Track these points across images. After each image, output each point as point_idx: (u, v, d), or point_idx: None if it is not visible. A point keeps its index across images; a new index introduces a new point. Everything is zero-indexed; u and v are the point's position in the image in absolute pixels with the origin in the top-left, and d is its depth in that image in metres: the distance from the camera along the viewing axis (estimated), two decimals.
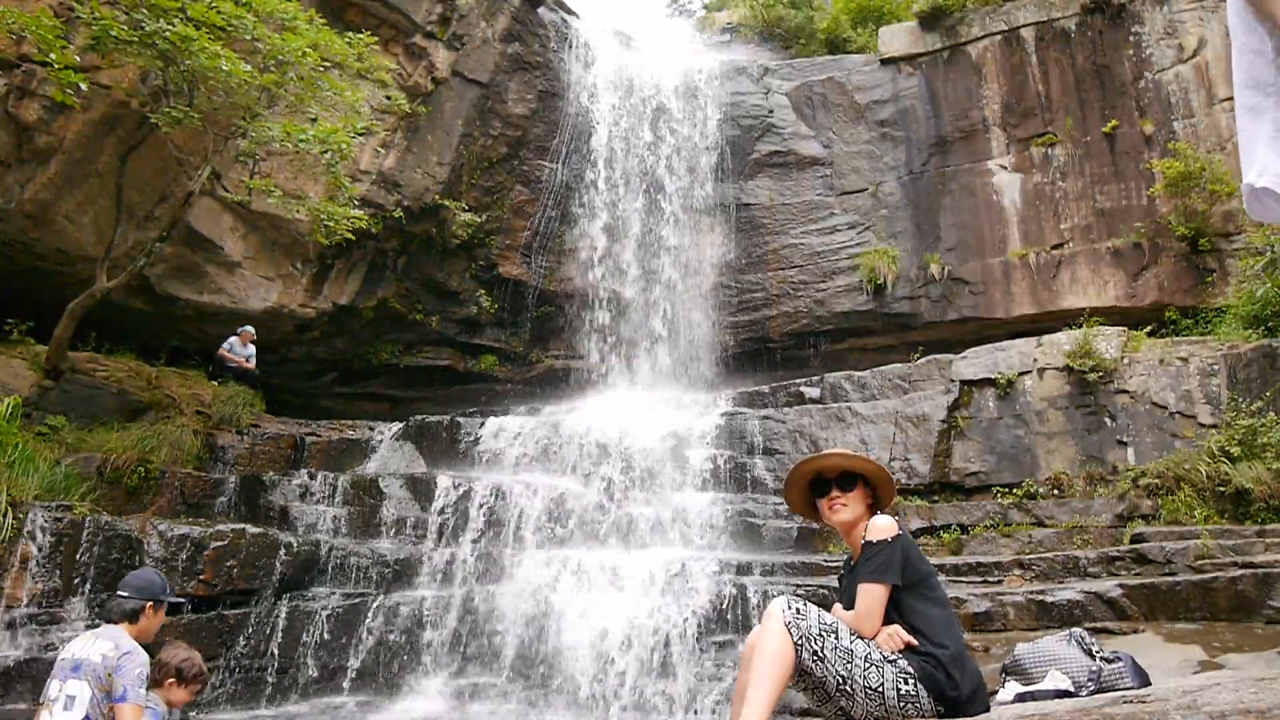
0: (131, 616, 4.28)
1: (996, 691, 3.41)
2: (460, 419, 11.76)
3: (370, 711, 7.90)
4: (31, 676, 7.50)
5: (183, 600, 4.86)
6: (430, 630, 8.52)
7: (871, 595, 3.01)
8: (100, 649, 4.03)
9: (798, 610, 2.95)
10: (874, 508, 3.31)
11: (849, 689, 2.87)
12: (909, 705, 2.84)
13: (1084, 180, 13.90)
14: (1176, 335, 11.69)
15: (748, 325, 15.58)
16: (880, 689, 2.85)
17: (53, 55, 8.57)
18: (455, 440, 11.32)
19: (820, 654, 2.90)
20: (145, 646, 4.25)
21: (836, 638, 2.93)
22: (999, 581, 8.23)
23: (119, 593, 4.37)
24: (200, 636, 8.26)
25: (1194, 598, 6.98)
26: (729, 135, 15.96)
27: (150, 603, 4.35)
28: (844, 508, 3.26)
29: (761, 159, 15.85)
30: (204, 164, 10.49)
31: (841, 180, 15.52)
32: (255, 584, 8.73)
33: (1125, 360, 10.29)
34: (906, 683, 2.87)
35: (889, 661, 2.90)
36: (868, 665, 2.88)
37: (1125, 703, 1.83)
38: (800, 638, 2.90)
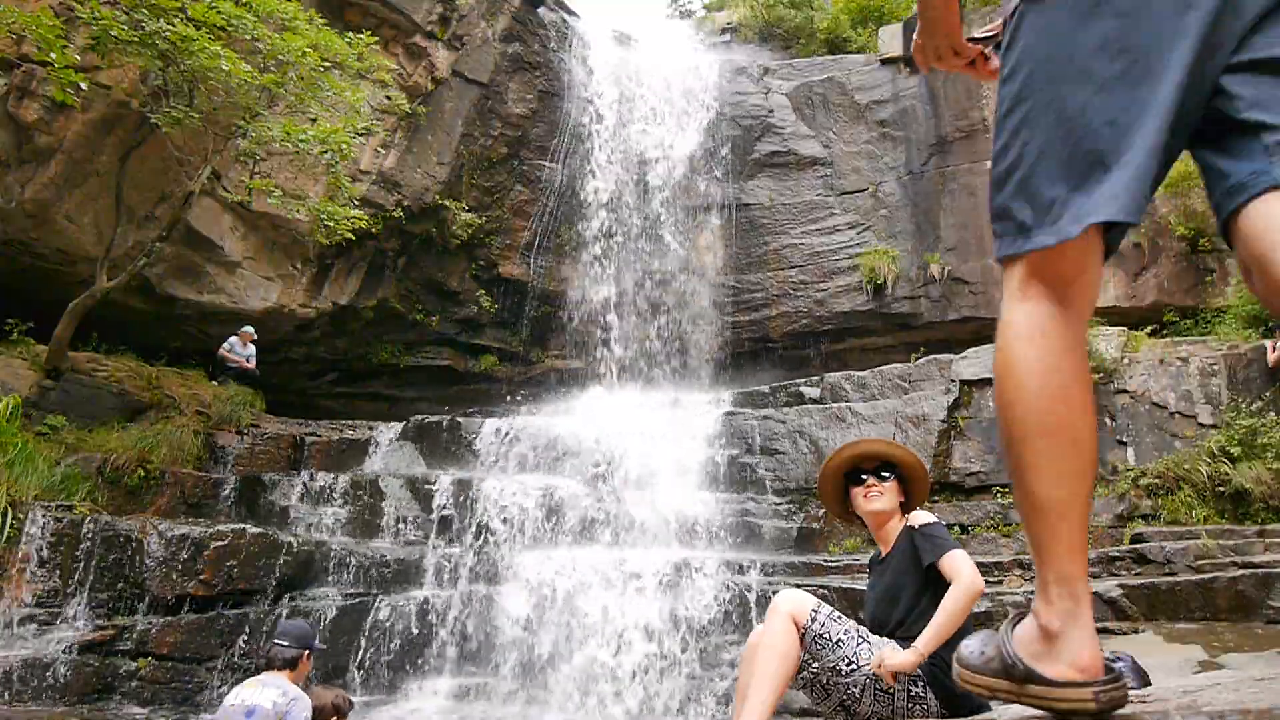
0: (292, 664, 4.69)
1: None
2: (460, 419, 11.76)
3: (371, 711, 7.90)
4: (32, 676, 7.50)
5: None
6: (430, 630, 8.51)
7: (964, 557, 3.00)
8: (270, 696, 4.45)
9: (805, 606, 2.93)
10: (905, 506, 3.31)
11: (857, 690, 2.86)
12: (917, 707, 2.83)
13: None
14: (1176, 335, 11.69)
15: (748, 325, 15.57)
16: (890, 690, 2.84)
17: (53, 55, 8.57)
18: (455, 440, 11.31)
19: (828, 652, 2.88)
20: None
21: (844, 636, 2.92)
22: (999, 581, 8.23)
23: (279, 641, 4.80)
24: (200, 636, 8.26)
25: (1194, 598, 6.98)
26: (729, 135, 15.95)
27: (306, 651, 4.78)
28: (879, 496, 3.25)
29: (761, 159, 15.84)
30: (204, 164, 10.49)
31: (841, 180, 15.51)
32: (255, 584, 8.73)
33: (1125, 360, 10.29)
34: (916, 684, 2.86)
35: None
36: None
37: (1126, 702, 1.82)
38: (807, 635, 2.89)
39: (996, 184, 1.41)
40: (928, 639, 2.84)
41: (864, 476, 3.28)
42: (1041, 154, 1.30)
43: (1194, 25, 1.21)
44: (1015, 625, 1.39)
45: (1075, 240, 1.27)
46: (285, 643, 4.73)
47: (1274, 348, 9.41)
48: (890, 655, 2.85)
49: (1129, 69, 1.23)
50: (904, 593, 3.07)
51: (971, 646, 1.47)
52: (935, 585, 2.99)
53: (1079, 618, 1.30)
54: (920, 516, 3.19)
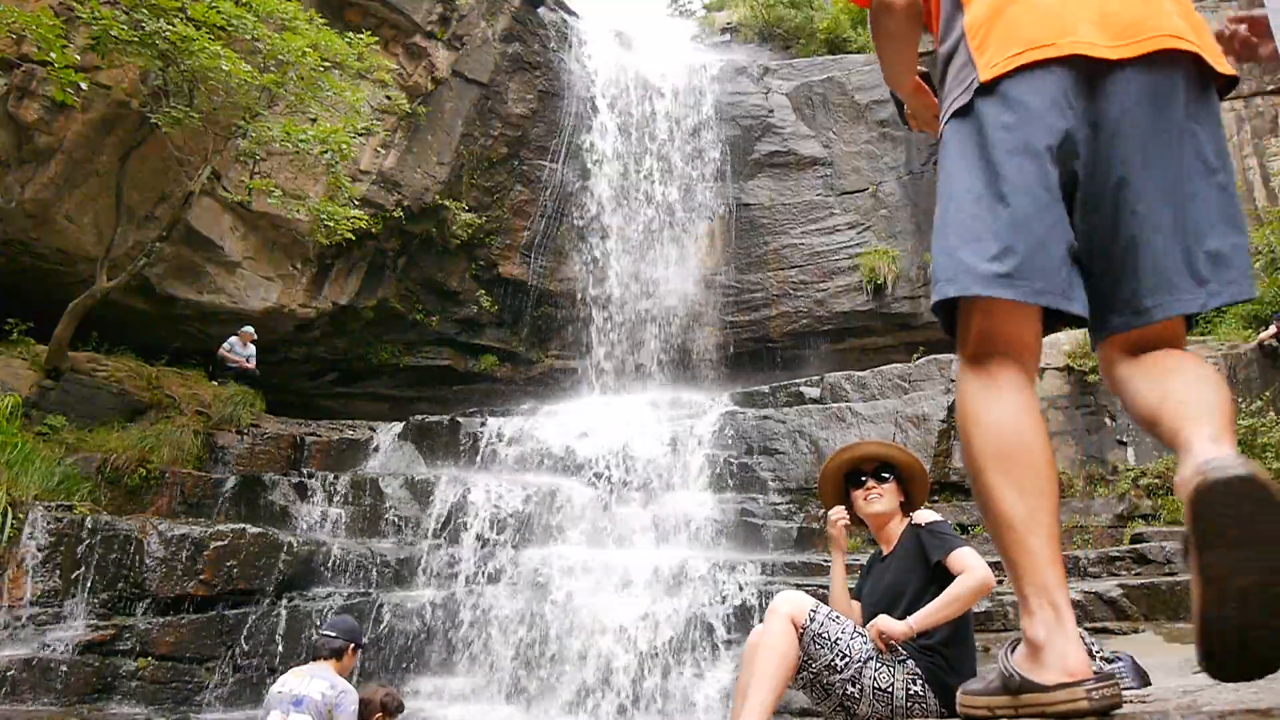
0: (338, 654, 4.78)
1: None
2: (460, 419, 11.75)
3: None
4: (32, 676, 7.50)
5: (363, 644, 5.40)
6: (430, 631, 8.51)
7: (973, 554, 3.02)
8: (319, 687, 4.56)
9: (804, 607, 2.93)
10: (905, 507, 3.30)
11: (856, 690, 2.85)
12: (916, 706, 2.83)
13: None
14: None
15: (748, 325, 15.57)
16: (890, 689, 2.83)
17: (53, 55, 8.57)
18: (455, 440, 11.31)
19: (827, 652, 2.88)
20: None
21: (842, 635, 2.91)
22: (999, 581, 8.22)
23: (326, 633, 4.92)
24: (200, 636, 8.26)
25: None
26: (729, 135, 15.95)
27: (352, 644, 4.88)
28: (879, 498, 3.25)
29: (761, 159, 15.84)
30: (204, 164, 10.48)
31: (841, 180, 15.51)
32: (255, 584, 8.72)
33: None
34: (915, 683, 2.85)
35: (899, 662, 2.88)
36: (877, 665, 2.87)
37: (1125, 702, 1.83)
38: (806, 635, 2.88)
39: None
40: (923, 615, 2.84)
41: (863, 479, 3.28)
42: None
43: None
44: (1014, 649, 1.46)
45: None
46: (333, 634, 4.82)
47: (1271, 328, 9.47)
48: (885, 620, 2.88)
49: None
50: (908, 590, 3.06)
51: (976, 679, 1.56)
52: (940, 582, 2.99)
53: (1062, 625, 1.38)
54: (925, 515, 3.19)
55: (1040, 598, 1.39)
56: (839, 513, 3.33)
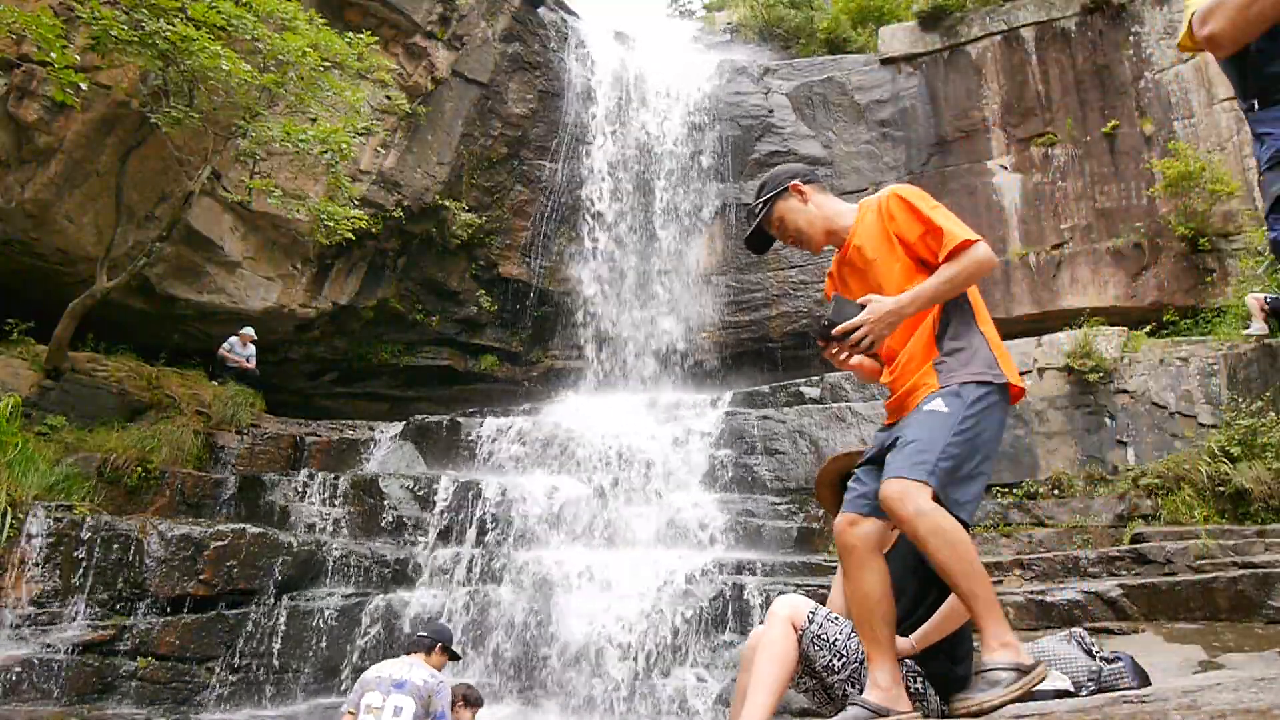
0: (428, 649, 5.24)
1: None
2: (460, 419, 11.76)
3: None
4: (32, 676, 7.50)
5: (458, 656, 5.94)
6: None
7: None
8: (421, 674, 4.99)
9: (803, 610, 2.93)
10: None
11: (856, 690, 2.85)
12: (917, 705, 2.82)
13: (1084, 180, 13.90)
14: (1176, 335, 11.68)
15: (748, 325, 15.57)
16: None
17: (53, 55, 8.56)
18: (455, 440, 11.31)
19: (825, 653, 2.88)
20: None
21: (840, 635, 2.92)
22: (999, 581, 8.23)
23: (420, 632, 5.43)
24: (200, 636, 8.27)
25: (1194, 598, 6.98)
26: (729, 135, 15.96)
27: (440, 644, 5.30)
28: None
29: (761, 159, 15.83)
30: (204, 164, 10.48)
31: (841, 180, 15.51)
32: (255, 584, 8.73)
33: (1125, 360, 10.29)
34: (915, 681, 2.85)
35: (898, 661, 2.88)
36: None
37: (1125, 703, 1.83)
38: (805, 637, 2.88)
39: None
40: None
41: None
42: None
43: None
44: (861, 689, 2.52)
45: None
46: (425, 634, 5.33)
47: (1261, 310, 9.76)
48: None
49: None
50: (908, 590, 3.05)
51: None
52: (941, 585, 2.98)
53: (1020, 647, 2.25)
54: None
55: (1011, 634, 2.40)
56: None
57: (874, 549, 2.57)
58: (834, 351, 2.64)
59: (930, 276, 2.65)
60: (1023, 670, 2.29)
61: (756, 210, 2.97)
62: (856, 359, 2.67)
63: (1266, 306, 9.91)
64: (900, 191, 2.78)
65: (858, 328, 2.57)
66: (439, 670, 5.19)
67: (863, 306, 2.59)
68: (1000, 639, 2.34)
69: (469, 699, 5.39)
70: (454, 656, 5.50)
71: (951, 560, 2.36)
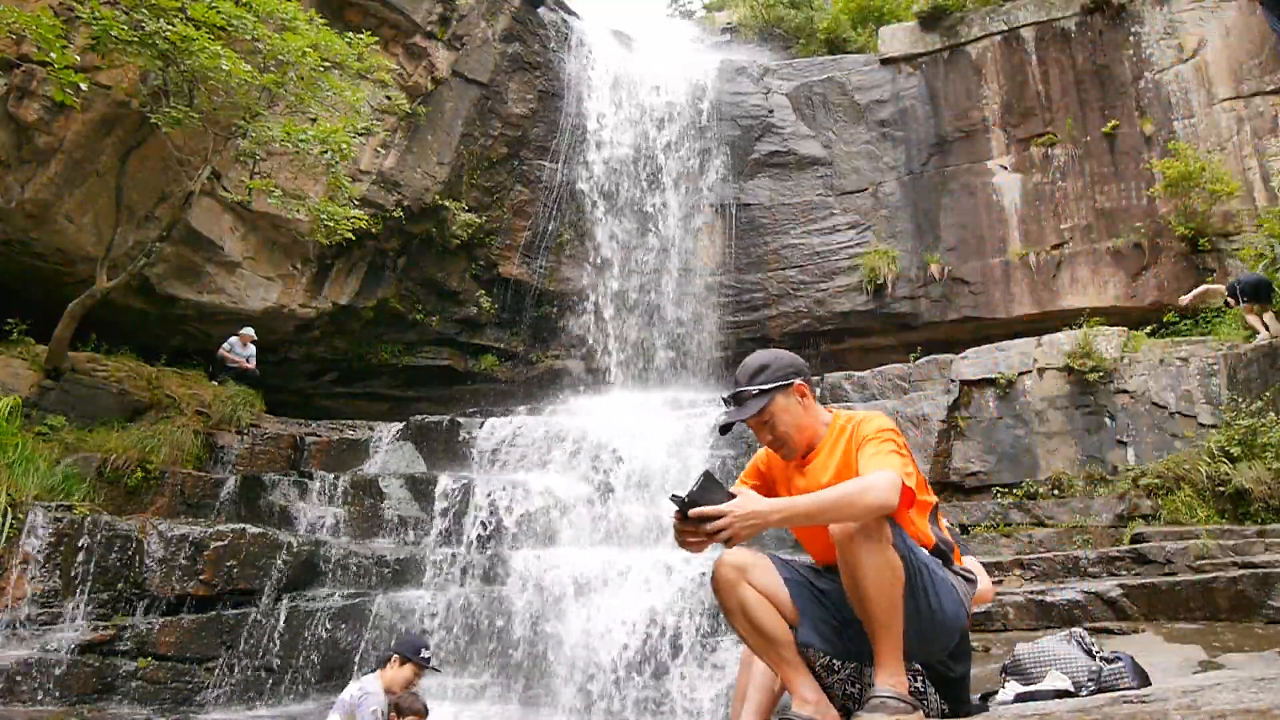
0: (383, 664, 5.29)
1: (996, 691, 3.40)
2: (460, 419, 11.75)
3: None
4: (32, 676, 7.50)
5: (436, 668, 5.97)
6: (430, 631, 8.51)
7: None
8: (351, 689, 5.13)
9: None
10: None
11: (855, 689, 2.85)
12: (919, 703, 2.82)
13: (1084, 180, 13.90)
14: (1176, 335, 11.68)
15: (748, 325, 15.57)
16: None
17: (53, 55, 8.57)
18: (455, 440, 11.31)
19: (826, 655, 2.87)
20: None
21: None
22: (999, 581, 8.23)
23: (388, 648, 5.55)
24: (200, 636, 8.27)
25: (1194, 598, 6.97)
26: (729, 135, 15.96)
27: (397, 656, 5.28)
28: None
29: (761, 159, 15.84)
30: (204, 164, 10.49)
31: (841, 180, 15.51)
32: (255, 584, 8.73)
33: (1125, 360, 10.28)
34: (915, 680, 2.85)
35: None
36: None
37: (1125, 703, 1.83)
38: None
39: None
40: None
41: None
42: None
43: None
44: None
45: None
46: (386, 648, 5.48)
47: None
48: None
49: None
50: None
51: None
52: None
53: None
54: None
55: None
56: None
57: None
58: (686, 530, 2.41)
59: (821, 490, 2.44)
60: (910, 707, 2.34)
61: (749, 395, 2.70)
62: (697, 547, 2.43)
63: (1234, 301, 10.31)
64: (880, 422, 2.66)
65: (719, 516, 2.36)
66: (412, 682, 5.25)
67: (731, 495, 2.40)
68: (898, 674, 2.39)
69: (401, 708, 5.14)
70: (422, 666, 5.35)
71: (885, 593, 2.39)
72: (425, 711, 5.22)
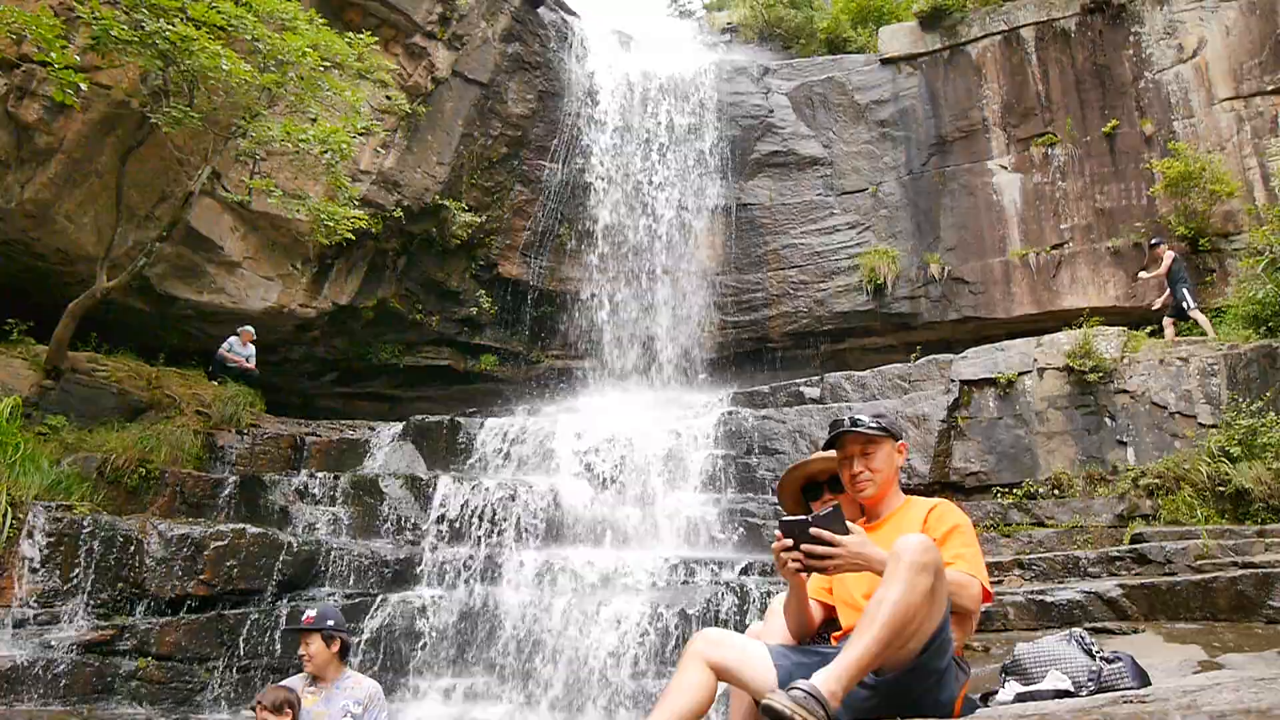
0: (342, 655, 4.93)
1: (996, 691, 3.41)
2: (460, 419, 11.75)
3: None
4: (32, 676, 7.50)
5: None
6: (430, 631, 8.51)
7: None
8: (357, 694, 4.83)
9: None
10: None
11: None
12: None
13: (1084, 180, 13.90)
14: (1176, 335, 11.68)
15: (748, 325, 15.57)
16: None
17: (53, 55, 8.57)
18: (455, 440, 11.31)
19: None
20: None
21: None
22: (999, 581, 8.23)
23: None
24: (200, 636, 8.27)
25: (1194, 598, 6.97)
26: (729, 135, 15.96)
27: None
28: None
29: (761, 159, 15.84)
30: (204, 164, 10.49)
31: (841, 180, 15.52)
32: (255, 584, 8.73)
33: (1125, 360, 10.28)
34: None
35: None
36: None
37: (1125, 703, 1.83)
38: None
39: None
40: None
41: (821, 490, 3.22)
42: None
43: None
44: None
45: None
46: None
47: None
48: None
49: None
50: None
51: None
52: None
53: None
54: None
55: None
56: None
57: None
58: (788, 547, 2.48)
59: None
60: (822, 709, 2.13)
61: (870, 425, 2.91)
62: (798, 569, 2.52)
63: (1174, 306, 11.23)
64: (961, 517, 2.88)
65: (833, 544, 2.44)
66: (324, 660, 4.78)
67: (848, 532, 2.48)
68: (843, 684, 2.22)
69: (262, 703, 4.52)
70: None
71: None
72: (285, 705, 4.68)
